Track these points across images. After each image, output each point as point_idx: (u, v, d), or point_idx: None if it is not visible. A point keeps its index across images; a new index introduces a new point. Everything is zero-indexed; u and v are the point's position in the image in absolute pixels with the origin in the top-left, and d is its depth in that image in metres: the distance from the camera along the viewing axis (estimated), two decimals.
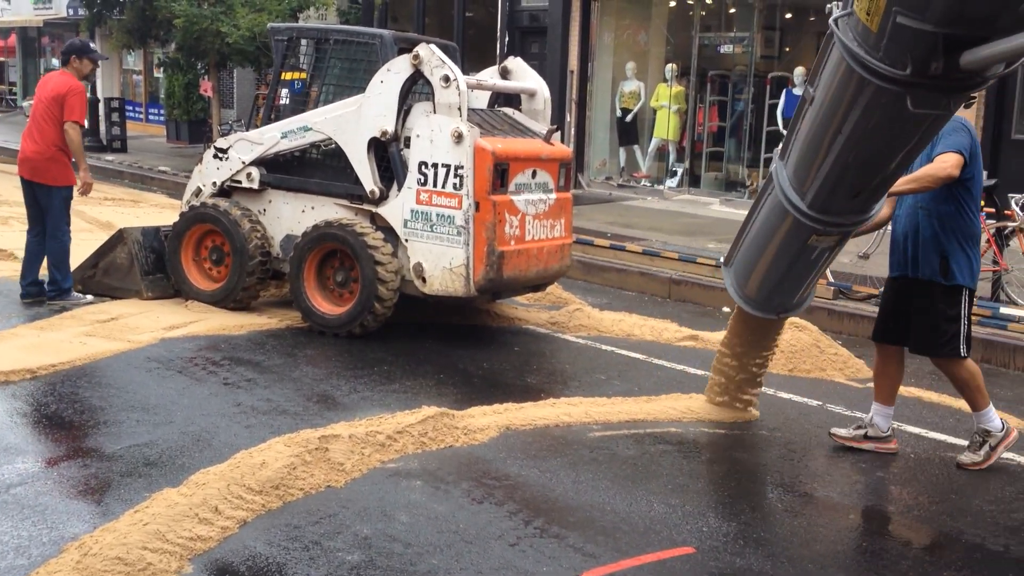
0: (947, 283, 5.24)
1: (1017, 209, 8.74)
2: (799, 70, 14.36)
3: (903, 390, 6.78)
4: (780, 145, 4.94)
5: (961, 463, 5.37)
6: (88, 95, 23.23)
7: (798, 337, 7.30)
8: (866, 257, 9.53)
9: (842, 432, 5.62)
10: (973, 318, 8.17)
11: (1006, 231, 8.79)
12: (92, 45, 8.45)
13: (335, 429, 5.17)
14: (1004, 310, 8.29)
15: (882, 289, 8.95)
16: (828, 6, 4.17)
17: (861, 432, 5.57)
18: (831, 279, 9.31)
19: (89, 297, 8.18)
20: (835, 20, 4.05)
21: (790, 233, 4.98)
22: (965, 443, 5.77)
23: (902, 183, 5.07)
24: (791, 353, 7.18)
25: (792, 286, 5.42)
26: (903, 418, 6.20)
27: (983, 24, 3.61)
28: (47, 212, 8.07)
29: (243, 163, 8.12)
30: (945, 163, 5.03)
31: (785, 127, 14.46)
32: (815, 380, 6.96)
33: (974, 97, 4.91)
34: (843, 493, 5.06)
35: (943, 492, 5.07)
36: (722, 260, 5.82)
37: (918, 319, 5.35)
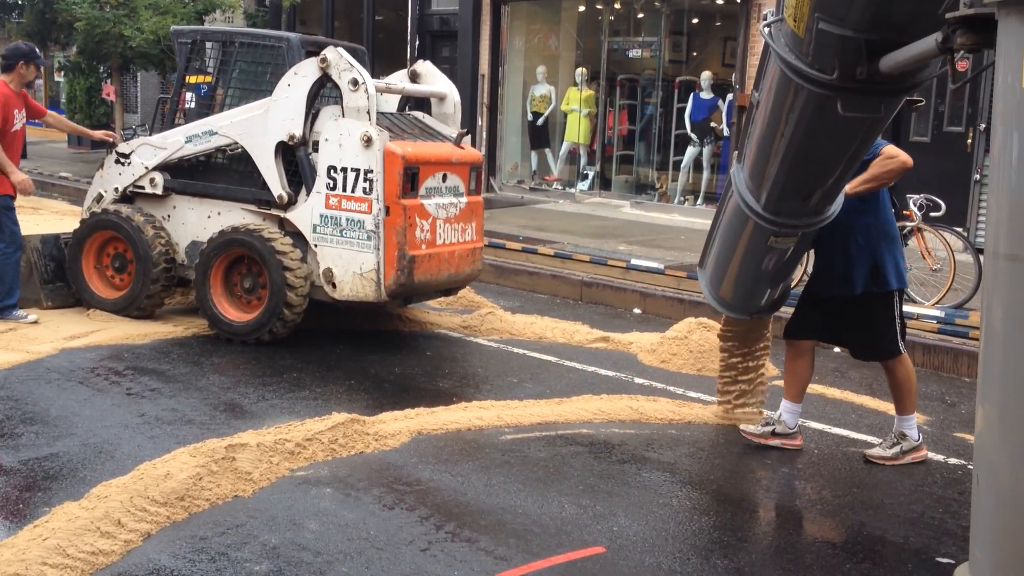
0: (880, 291, 5.35)
1: (915, 209, 9.01)
2: (706, 74, 14.61)
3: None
4: (737, 148, 5.01)
5: (869, 456, 5.52)
6: None
7: (707, 337, 7.40)
8: None
9: (751, 429, 5.73)
10: None
11: (905, 231, 9.04)
12: (38, 50, 8.10)
13: (243, 438, 5.09)
14: (903, 308, 8.52)
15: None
16: (764, 12, 4.26)
17: (769, 429, 5.68)
18: None
19: (32, 316, 7.65)
20: (768, 26, 4.12)
21: (751, 235, 5.04)
22: (867, 438, 5.93)
23: (858, 183, 5.15)
24: (700, 353, 7.29)
25: (761, 287, 5.46)
26: (807, 415, 6.33)
27: (901, 29, 3.71)
28: None
29: (146, 168, 7.95)
30: (896, 154, 5.11)
31: (692, 131, 14.74)
32: None
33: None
34: (750, 490, 5.15)
35: (846, 487, 5.19)
36: (699, 264, 5.88)
37: (859, 330, 5.47)
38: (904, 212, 9.12)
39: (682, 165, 15.25)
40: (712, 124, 14.63)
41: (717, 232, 5.45)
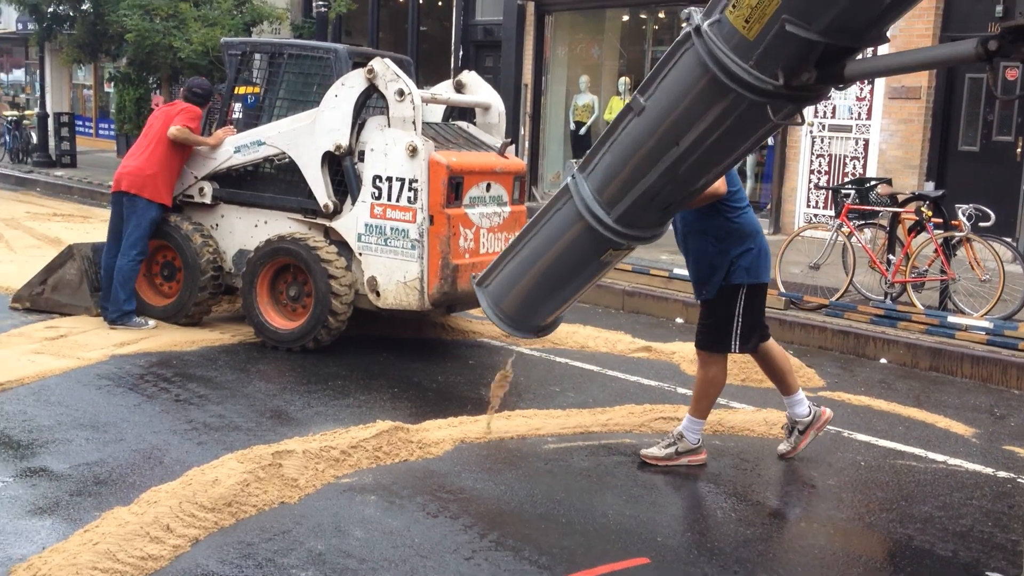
0: (725, 284, 5.31)
1: (963, 219, 8.90)
2: None
3: (852, 399, 6.90)
4: (583, 158, 4.75)
5: (643, 455, 5.47)
6: (37, 110, 22.95)
7: None
8: (816, 267, 9.66)
9: (784, 448, 5.66)
10: (920, 326, 8.31)
11: (953, 241, 8.94)
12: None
13: (288, 444, 5.14)
14: (952, 319, 8.43)
15: (832, 300, 9.09)
16: (686, 10, 4.12)
17: (794, 434, 5.62)
18: (782, 289, 9.41)
19: (152, 322, 7.86)
20: (697, 28, 4.02)
21: (583, 248, 4.77)
22: (914, 451, 5.87)
23: None
24: (743, 363, 7.24)
25: (558, 304, 5.23)
26: (853, 426, 6.29)
27: (855, 35, 3.74)
28: (130, 228, 7.80)
29: (195, 178, 8.07)
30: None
31: None
32: (767, 390, 7.01)
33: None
34: (795, 502, 5.11)
35: (892, 499, 5.14)
36: (475, 280, 5.38)
37: (701, 319, 5.43)
38: (953, 222, 9.02)
39: None
40: None
41: (523, 247, 5.02)
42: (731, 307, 5.32)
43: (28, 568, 3.82)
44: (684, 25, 4.05)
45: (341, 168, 7.45)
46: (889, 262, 9.29)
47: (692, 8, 4.07)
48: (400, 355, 7.55)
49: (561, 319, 5.57)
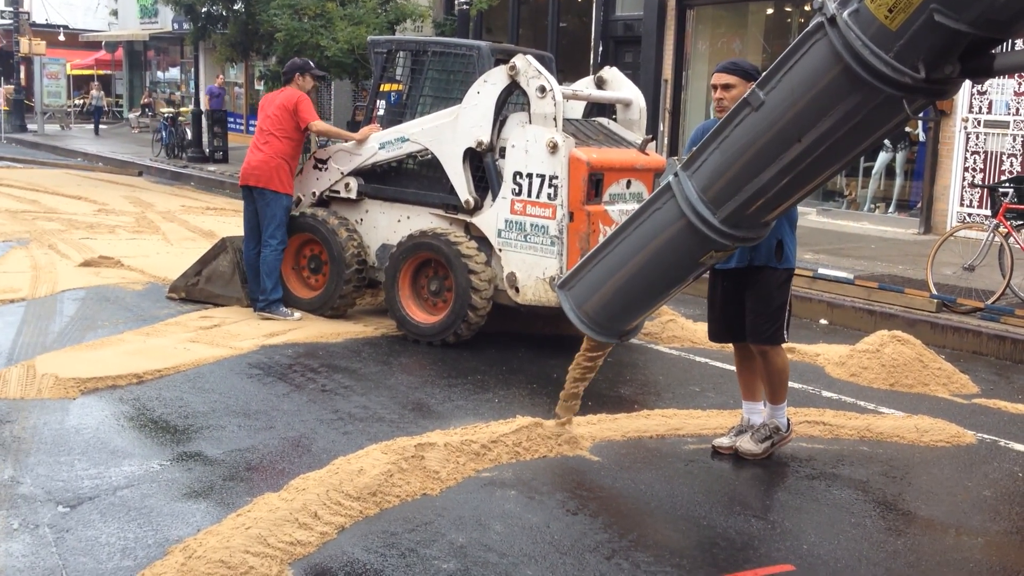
0: (781, 267, 5.25)
1: None
2: None
3: (1009, 406, 6.60)
4: (688, 155, 4.51)
5: (743, 450, 5.42)
6: (191, 107, 23.91)
7: (900, 351, 7.12)
8: (971, 269, 9.27)
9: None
10: None
11: None
12: (311, 63, 8.55)
13: (431, 437, 5.21)
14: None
15: (988, 303, 8.71)
16: (819, 1, 3.91)
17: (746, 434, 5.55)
18: (934, 291, 9.06)
19: (298, 314, 8.11)
20: (832, 17, 3.77)
21: (682, 248, 4.62)
22: None
23: None
24: (892, 367, 7.02)
25: (651, 306, 5.12)
26: (1010, 435, 6.01)
27: (1002, 26, 3.58)
28: (265, 221, 8.06)
29: (342, 173, 8.26)
30: None
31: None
32: (918, 395, 6.78)
33: None
34: (948, 512, 4.91)
35: None
36: (556, 284, 5.20)
37: (755, 311, 5.31)
38: None
39: (873, 171, 14.72)
40: (907, 129, 14.05)
41: (614, 248, 4.86)
42: (785, 293, 5.35)
43: (184, 549, 3.97)
44: (816, 15, 3.90)
45: (482, 164, 7.52)
46: None
47: None
48: (538, 351, 7.57)
49: (644, 324, 5.54)
